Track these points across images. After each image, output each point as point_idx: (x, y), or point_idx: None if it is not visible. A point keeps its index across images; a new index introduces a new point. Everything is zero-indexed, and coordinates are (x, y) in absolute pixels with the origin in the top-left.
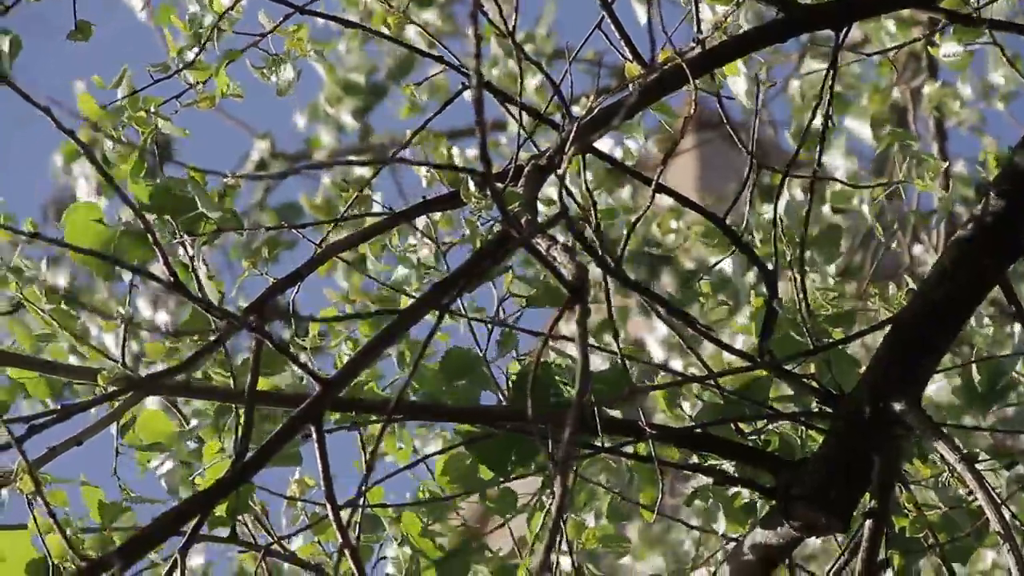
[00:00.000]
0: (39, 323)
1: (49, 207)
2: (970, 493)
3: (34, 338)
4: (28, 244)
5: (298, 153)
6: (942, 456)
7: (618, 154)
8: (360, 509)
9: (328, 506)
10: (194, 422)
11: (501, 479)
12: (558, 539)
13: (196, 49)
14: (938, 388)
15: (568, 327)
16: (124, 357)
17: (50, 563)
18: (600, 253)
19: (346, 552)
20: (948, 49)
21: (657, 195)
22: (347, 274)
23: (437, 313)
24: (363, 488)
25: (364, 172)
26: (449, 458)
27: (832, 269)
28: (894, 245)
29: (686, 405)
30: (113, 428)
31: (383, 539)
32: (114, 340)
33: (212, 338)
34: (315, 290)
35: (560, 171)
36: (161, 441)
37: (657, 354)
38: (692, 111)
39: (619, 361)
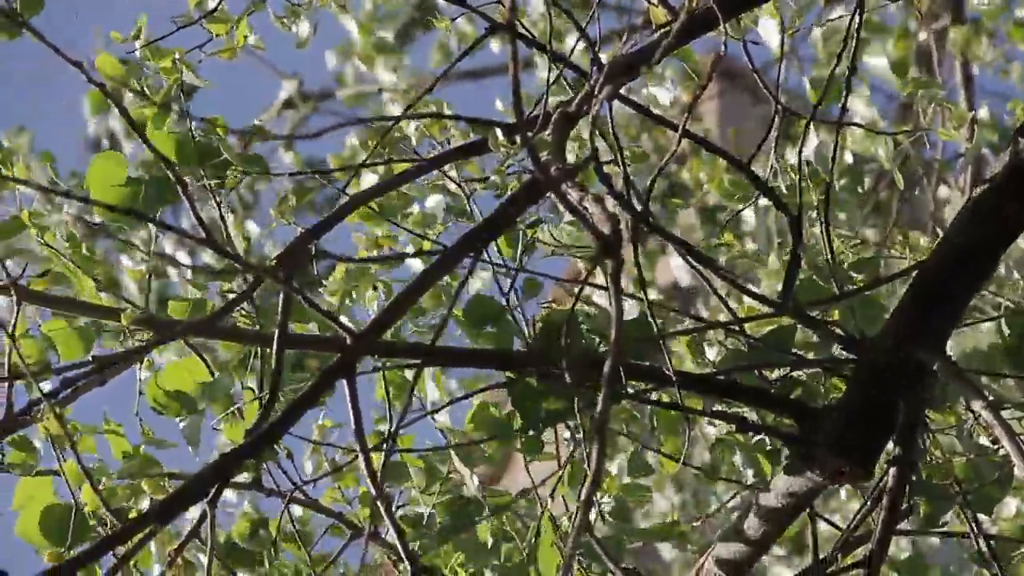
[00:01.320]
0: (60, 268)
1: (86, 152)
2: (995, 441)
3: (59, 276)
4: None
5: (325, 92)
6: (967, 403)
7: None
8: (386, 455)
9: (361, 457)
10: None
11: (528, 430)
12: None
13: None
14: (968, 338)
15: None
16: (148, 303)
17: (73, 513)
18: (629, 200)
19: (376, 500)
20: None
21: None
22: (376, 222)
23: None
24: (391, 434)
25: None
26: (478, 409)
27: (858, 215)
28: (919, 190)
29: (710, 352)
30: (137, 373)
31: (408, 486)
32: (138, 287)
33: (240, 289)
34: (344, 235)
35: (590, 116)
36: (183, 390)
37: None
38: (721, 54)
39: (646, 309)
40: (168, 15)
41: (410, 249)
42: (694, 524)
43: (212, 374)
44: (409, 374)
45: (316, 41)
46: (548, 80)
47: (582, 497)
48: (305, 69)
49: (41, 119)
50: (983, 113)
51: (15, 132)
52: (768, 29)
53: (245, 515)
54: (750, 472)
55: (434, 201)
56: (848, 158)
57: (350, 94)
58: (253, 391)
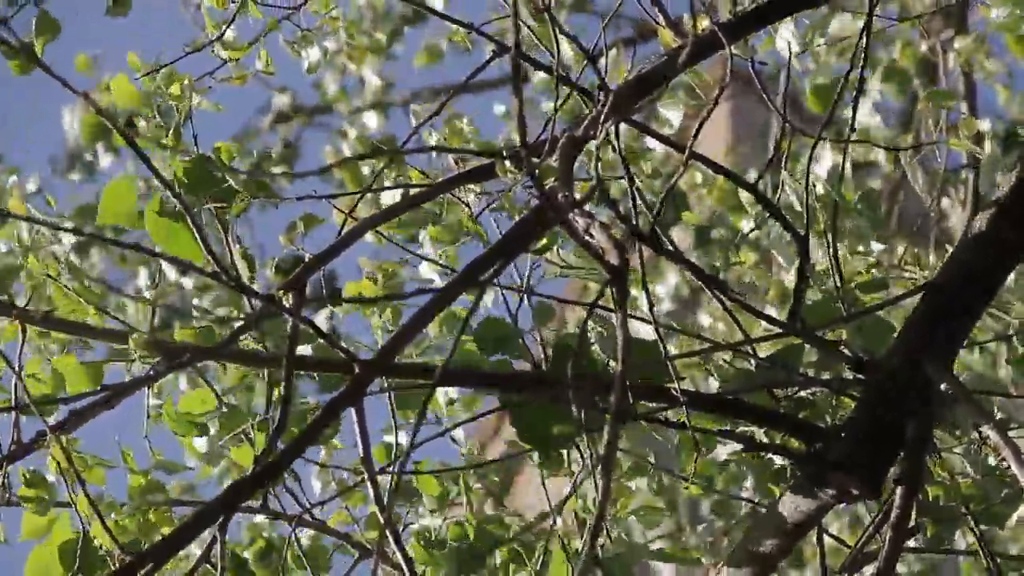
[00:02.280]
0: (59, 299)
1: (60, 161)
2: (1003, 460)
3: (66, 307)
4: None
5: (318, 107)
6: (975, 423)
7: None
8: (393, 477)
9: (368, 483)
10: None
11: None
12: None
13: (227, 25)
14: (975, 356)
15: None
16: (153, 328)
17: (79, 547)
18: (635, 223)
19: (382, 523)
20: (999, 12)
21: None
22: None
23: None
24: (399, 457)
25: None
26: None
27: (875, 245)
28: (922, 200)
29: (715, 369)
30: (145, 396)
31: (415, 505)
32: (144, 315)
33: (246, 319)
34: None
35: (596, 143)
36: (194, 413)
37: (665, 307)
38: (726, 79)
39: (654, 329)
40: (164, 25)
41: (421, 269)
42: (706, 542)
43: (220, 402)
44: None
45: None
46: (555, 106)
47: (591, 523)
48: (291, 81)
49: (40, 120)
50: (985, 125)
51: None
52: (782, 42)
53: (256, 535)
54: (757, 491)
55: (453, 217)
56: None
57: (343, 108)
58: (260, 415)
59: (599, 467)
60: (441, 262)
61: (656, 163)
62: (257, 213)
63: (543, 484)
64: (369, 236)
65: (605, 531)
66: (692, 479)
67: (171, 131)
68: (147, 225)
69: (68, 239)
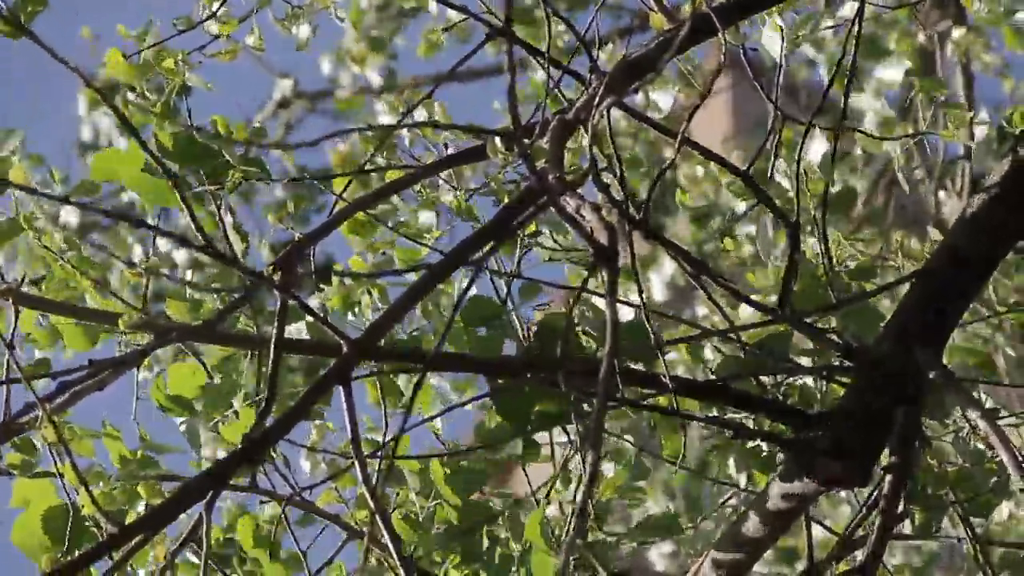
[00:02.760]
0: (57, 270)
1: (73, 149)
2: (991, 448)
3: (58, 280)
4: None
5: (320, 92)
6: (963, 411)
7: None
8: (382, 461)
9: (357, 464)
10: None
11: (524, 435)
12: (577, 494)
13: (218, 3)
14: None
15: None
16: (146, 306)
17: (69, 516)
18: (626, 207)
19: (371, 505)
20: (980, 5)
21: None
22: (371, 228)
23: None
24: (391, 440)
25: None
26: (477, 424)
27: (840, 233)
28: (919, 190)
29: (707, 355)
30: (135, 375)
31: (405, 490)
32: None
33: (238, 295)
34: (339, 236)
35: (590, 127)
36: (183, 394)
37: (660, 296)
38: (721, 63)
39: (642, 314)
40: (165, 14)
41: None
42: (689, 527)
43: (209, 376)
44: (402, 380)
45: (313, 41)
46: (546, 87)
47: (577, 505)
48: (298, 68)
49: (40, 119)
50: (982, 116)
51: (5, 134)
52: (771, 38)
53: (235, 517)
54: (744, 477)
55: (426, 217)
56: (856, 158)
57: (344, 99)
58: (249, 394)
59: (585, 447)
60: (430, 244)
61: (649, 151)
62: (260, 194)
63: (524, 470)
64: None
65: (590, 512)
66: (679, 464)
67: (162, 104)
68: (133, 186)
69: (69, 215)
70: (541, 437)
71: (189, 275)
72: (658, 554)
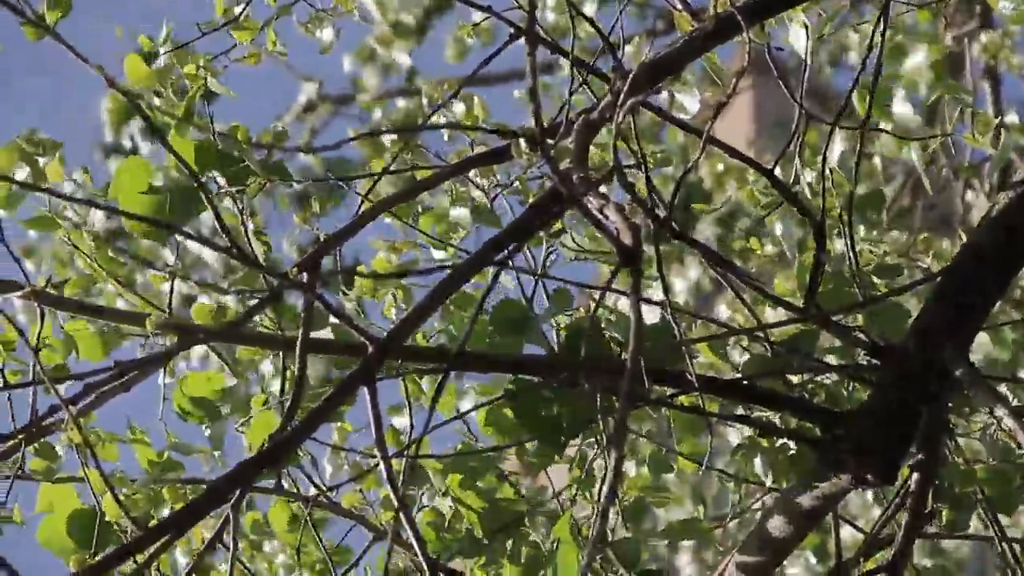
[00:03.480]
0: (86, 268)
1: (97, 149)
2: (1019, 446)
3: (83, 281)
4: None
5: (344, 96)
6: (990, 409)
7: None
8: (406, 460)
9: (381, 463)
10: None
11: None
12: (605, 495)
13: (241, 6)
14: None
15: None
16: (171, 307)
17: (97, 520)
18: (651, 207)
19: (396, 505)
20: (1006, 2)
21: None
22: (399, 227)
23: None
24: (413, 440)
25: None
26: (490, 410)
27: (875, 234)
28: (947, 191)
29: (733, 354)
30: (160, 379)
31: (427, 490)
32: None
33: (263, 296)
34: (360, 236)
35: (614, 126)
36: (206, 396)
37: (683, 300)
38: (746, 63)
39: (667, 313)
40: (166, 15)
41: (432, 253)
42: (715, 526)
43: (235, 377)
44: (424, 381)
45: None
46: (571, 87)
47: (600, 504)
48: (322, 71)
49: (53, 114)
50: (1011, 118)
51: (28, 135)
52: (797, 35)
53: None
54: (770, 477)
55: (459, 212)
56: (877, 162)
57: (368, 100)
58: (273, 395)
59: (611, 446)
60: (456, 244)
61: (676, 155)
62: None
63: (546, 472)
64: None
65: (617, 511)
66: (704, 464)
67: (184, 109)
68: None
69: (95, 220)
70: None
71: (217, 279)
72: (685, 556)
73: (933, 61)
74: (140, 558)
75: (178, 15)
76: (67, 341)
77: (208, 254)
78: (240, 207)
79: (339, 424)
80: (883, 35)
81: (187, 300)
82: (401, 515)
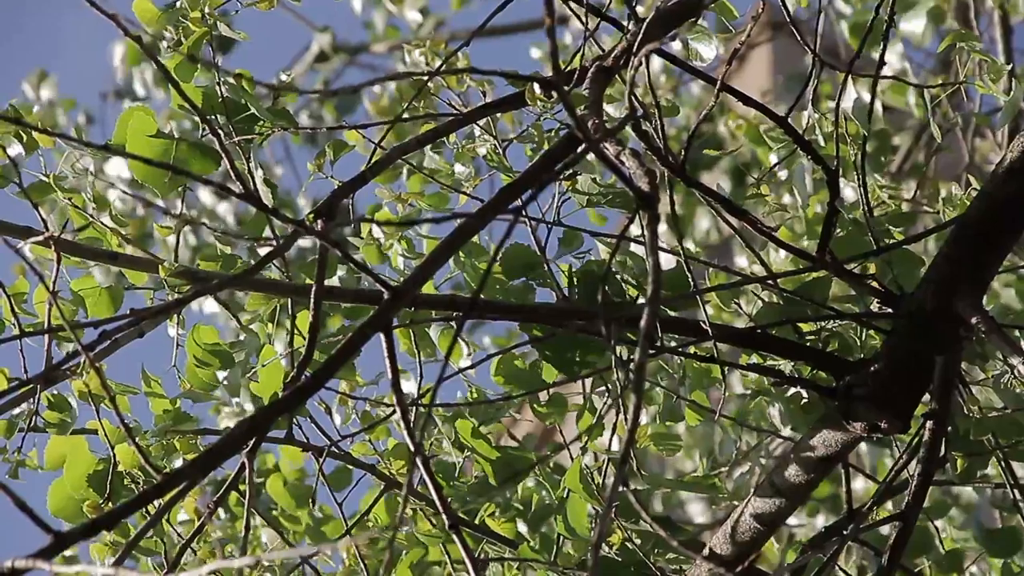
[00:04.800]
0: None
1: (108, 96)
2: None
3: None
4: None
5: (358, 45)
6: (1004, 357)
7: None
8: (427, 411)
9: (399, 411)
10: (246, 333)
11: (555, 381)
12: (613, 438)
13: None
14: (1004, 289)
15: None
16: (176, 257)
17: (110, 471)
18: (665, 154)
19: (410, 453)
20: None
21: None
22: (407, 175)
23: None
24: (428, 389)
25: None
26: (503, 358)
27: (879, 177)
28: (956, 141)
29: (744, 303)
30: (167, 329)
31: (435, 440)
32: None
33: (275, 243)
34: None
35: (629, 74)
36: (218, 344)
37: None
38: (760, 10)
39: (682, 261)
40: None
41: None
42: (722, 470)
43: (242, 327)
44: (433, 331)
45: None
46: (585, 33)
47: (618, 453)
48: (334, 20)
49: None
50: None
51: (37, 78)
52: None
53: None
54: (786, 425)
55: (461, 170)
56: (879, 111)
57: (382, 47)
58: (285, 345)
59: (627, 392)
60: (470, 192)
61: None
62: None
63: (558, 428)
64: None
65: (632, 457)
66: (719, 413)
67: (188, 49)
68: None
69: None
70: (571, 394)
71: (226, 229)
72: (696, 505)
73: (935, 7)
74: (155, 506)
75: None
76: (74, 298)
77: (219, 207)
78: (247, 155)
79: (347, 378)
80: None
81: (196, 251)
82: (419, 465)
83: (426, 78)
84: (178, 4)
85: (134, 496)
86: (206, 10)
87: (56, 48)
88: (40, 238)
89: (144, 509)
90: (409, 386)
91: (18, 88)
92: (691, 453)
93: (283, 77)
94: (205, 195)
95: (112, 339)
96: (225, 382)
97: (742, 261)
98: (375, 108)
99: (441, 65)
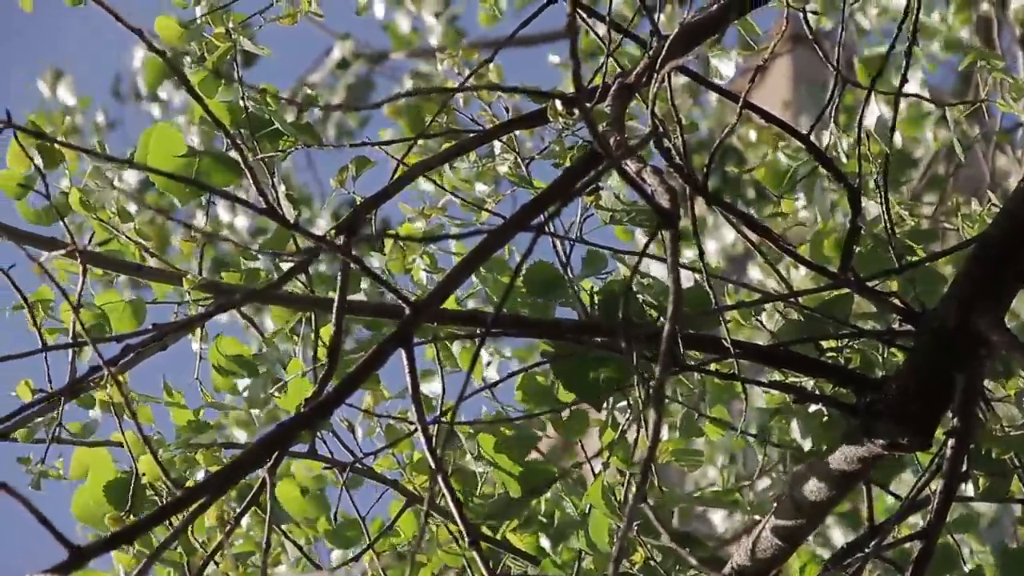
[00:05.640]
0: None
1: (125, 95)
2: None
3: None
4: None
5: (379, 52)
6: None
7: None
8: (440, 425)
9: (418, 426)
10: (269, 348)
11: (576, 400)
12: (637, 456)
13: None
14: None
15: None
16: (201, 270)
17: (132, 482)
18: (687, 171)
19: (432, 469)
20: None
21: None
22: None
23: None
24: (451, 405)
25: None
26: (525, 376)
27: (904, 193)
28: (976, 158)
29: (764, 319)
30: (190, 343)
31: (457, 455)
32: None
33: (299, 258)
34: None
35: (652, 91)
36: (242, 355)
37: (715, 264)
38: (784, 27)
39: (703, 278)
40: None
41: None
42: (742, 485)
43: (265, 340)
44: (456, 347)
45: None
46: (607, 50)
47: (641, 461)
48: (356, 25)
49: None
50: None
51: (53, 76)
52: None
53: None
54: (808, 442)
55: (482, 189)
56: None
57: (403, 54)
58: (310, 359)
59: (648, 408)
60: (492, 209)
61: (712, 118)
62: (321, 157)
63: (580, 443)
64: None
65: (653, 472)
66: (740, 429)
67: (212, 66)
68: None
69: (130, 177)
70: (594, 412)
71: (247, 244)
72: (719, 515)
73: (957, 30)
74: (177, 519)
75: None
76: (97, 317)
77: (238, 221)
78: (271, 170)
79: (373, 389)
80: (918, 5)
81: (217, 265)
82: (440, 482)
83: (449, 95)
84: (199, 20)
85: (155, 510)
86: (230, 25)
87: (57, 48)
88: (63, 252)
89: (167, 521)
90: (435, 388)
91: (17, 87)
92: (713, 461)
93: (307, 90)
94: (223, 210)
95: (135, 352)
96: (245, 392)
97: (756, 273)
98: (392, 110)
99: (464, 81)
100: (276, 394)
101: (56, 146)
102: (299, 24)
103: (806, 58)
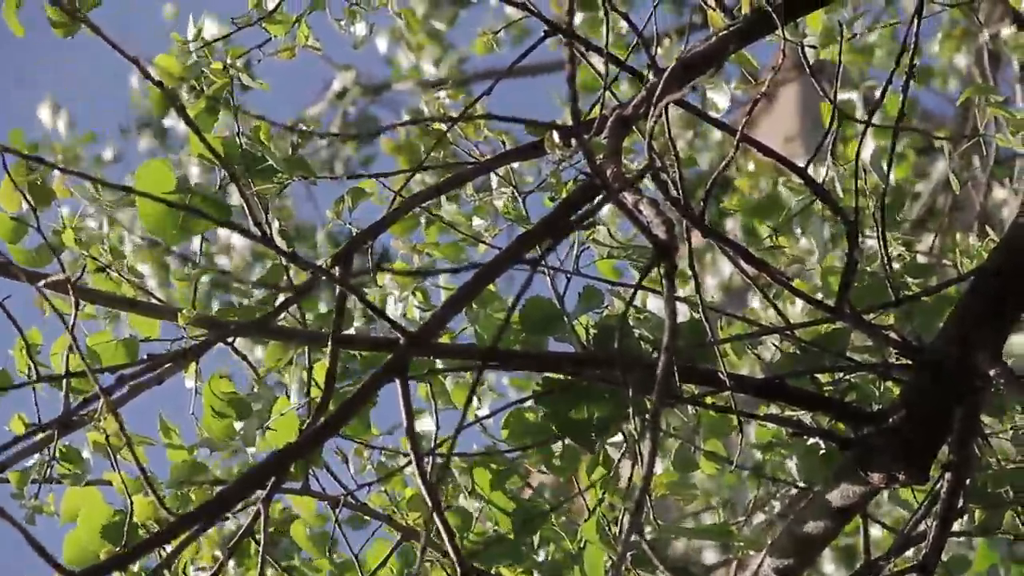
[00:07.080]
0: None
1: (130, 128)
2: None
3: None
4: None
5: (380, 84)
6: (1022, 408)
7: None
8: (445, 460)
9: (412, 460)
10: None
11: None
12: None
13: (276, 1)
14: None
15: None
16: (194, 304)
17: (126, 522)
18: (684, 204)
19: (425, 504)
20: None
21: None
22: (426, 224)
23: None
24: (445, 440)
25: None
26: (513, 413)
27: (904, 226)
28: (975, 191)
29: (763, 352)
30: (191, 377)
31: (456, 489)
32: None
33: (292, 291)
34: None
35: (649, 124)
36: (235, 394)
37: (713, 296)
38: (780, 61)
39: (699, 311)
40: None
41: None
42: (739, 520)
43: (256, 380)
44: (449, 382)
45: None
46: (604, 83)
47: (635, 496)
48: (356, 58)
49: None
50: None
51: (52, 109)
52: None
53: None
54: (803, 476)
55: (479, 223)
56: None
57: (403, 87)
58: (302, 393)
59: (643, 441)
60: (489, 241)
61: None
62: (322, 189)
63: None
64: None
65: (648, 506)
66: (735, 463)
67: (207, 102)
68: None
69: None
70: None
71: (241, 277)
72: (710, 551)
73: (947, 57)
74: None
75: (215, 6)
76: (90, 354)
77: (227, 260)
78: (265, 205)
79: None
80: (916, 37)
81: (213, 287)
82: (434, 516)
83: (445, 127)
84: (196, 57)
85: (148, 536)
86: (228, 60)
87: (61, 80)
88: (54, 278)
89: (159, 552)
90: (428, 425)
91: (16, 119)
92: (707, 498)
93: (302, 125)
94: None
95: (129, 385)
96: (241, 431)
97: (755, 303)
98: (391, 147)
99: (463, 114)
100: (269, 427)
101: (47, 184)
102: (302, 57)
103: (814, 86)
